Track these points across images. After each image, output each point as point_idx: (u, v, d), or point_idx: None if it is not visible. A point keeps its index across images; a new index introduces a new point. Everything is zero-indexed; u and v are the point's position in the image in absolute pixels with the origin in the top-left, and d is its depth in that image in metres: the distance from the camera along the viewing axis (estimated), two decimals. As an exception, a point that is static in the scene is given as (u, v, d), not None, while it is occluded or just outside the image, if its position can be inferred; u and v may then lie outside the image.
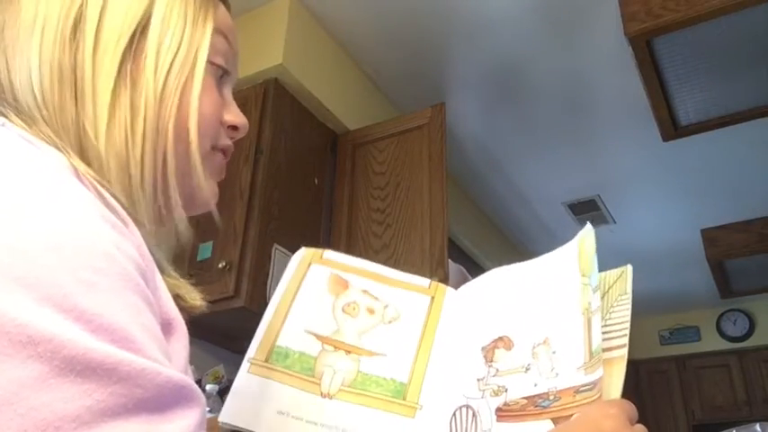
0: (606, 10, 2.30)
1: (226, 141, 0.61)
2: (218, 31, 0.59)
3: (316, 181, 2.26)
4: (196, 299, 0.55)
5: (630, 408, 0.55)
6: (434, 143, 2.24)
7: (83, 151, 0.49)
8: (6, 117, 0.48)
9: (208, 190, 0.58)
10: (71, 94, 0.50)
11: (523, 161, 3.30)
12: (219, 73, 0.60)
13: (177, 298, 0.50)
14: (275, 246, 1.95)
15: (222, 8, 0.61)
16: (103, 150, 0.49)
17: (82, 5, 0.52)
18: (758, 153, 3.16)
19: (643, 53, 2.10)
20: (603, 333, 0.62)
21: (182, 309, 0.49)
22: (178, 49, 0.54)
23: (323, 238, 2.23)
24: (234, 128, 0.62)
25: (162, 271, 0.49)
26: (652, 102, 2.34)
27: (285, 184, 2.09)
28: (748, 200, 3.62)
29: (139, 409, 0.35)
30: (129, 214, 0.46)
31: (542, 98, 2.84)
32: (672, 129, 2.46)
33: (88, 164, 0.48)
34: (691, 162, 3.26)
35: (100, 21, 0.52)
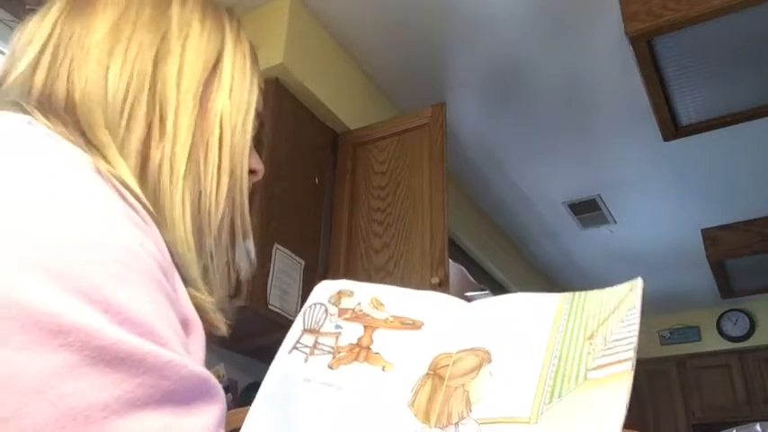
0: (607, 10, 2.30)
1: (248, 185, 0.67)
2: (260, 87, 0.65)
3: (316, 180, 2.26)
4: (220, 322, 0.58)
5: None
6: (435, 143, 2.24)
7: (143, 174, 0.51)
8: (32, 116, 0.49)
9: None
10: (142, 123, 0.52)
11: (524, 161, 3.30)
12: None
13: (201, 316, 0.52)
14: (276, 245, 1.95)
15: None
16: (182, 175, 0.52)
17: (165, 37, 0.56)
18: (758, 153, 3.16)
19: (644, 53, 2.10)
20: (609, 348, 0.63)
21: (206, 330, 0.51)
22: (242, 92, 0.60)
23: (323, 237, 2.23)
24: (253, 172, 0.67)
25: (188, 284, 0.52)
26: (653, 102, 2.34)
27: (286, 183, 2.09)
28: (748, 200, 3.62)
29: (165, 400, 0.35)
30: (151, 215, 0.47)
31: (543, 98, 2.84)
32: (672, 129, 2.47)
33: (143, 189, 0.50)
34: (691, 162, 3.26)
35: (182, 56, 0.56)
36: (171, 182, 0.52)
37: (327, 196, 2.31)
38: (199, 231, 0.54)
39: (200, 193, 0.54)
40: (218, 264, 0.57)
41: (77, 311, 0.34)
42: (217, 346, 2.01)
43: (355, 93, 2.61)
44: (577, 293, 0.71)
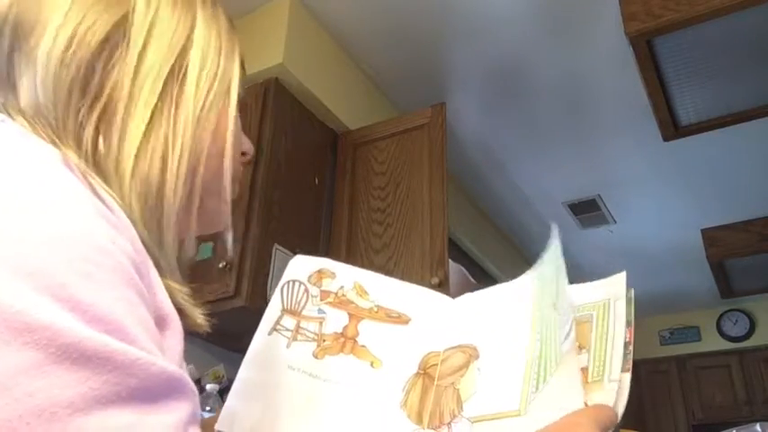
0: (606, 10, 2.30)
1: (239, 168, 0.65)
2: (241, 63, 0.62)
3: (316, 181, 2.26)
4: (198, 317, 0.56)
5: (602, 414, 0.55)
6: (435, 143, 2.24)
7: (95, 166, 0.49)
8: (9, 115, 0.48)
9: (229, 211, 0.62)
10: (94, 112, 0.50)
11: (523, 161, 3.30)
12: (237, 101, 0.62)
13: (180, 314, 0.50)
14: (275, 245, 1.95)
15: (239, 39, 0.64)
16: (129, 172, 0.50)
17: (126, 27, 0.53)
18: (758, 153, 3.16)
19: (643, 53, 2.10)
20: (564, 312, 0.63)
21: (184, 327, 0.49)
22: (215, 77, 0.57)
23: (323, 237, 2.23)
24: (243, 153, 0.66)
25: (175, 281, 0.51)
26: (652, 102, 2.34)
27: (285, 183, 2.09)
28: (748, 200, 3.62)
29: (132, 398, 0.35)
30: (125, 212, 0.46)
31: (543, 98, 2.84)
32: (672, 129, 2.47)
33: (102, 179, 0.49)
34: (691, 162, 3.26)
35: (144, 45, 0.53)
36: (117, 172, 0.49)
37: (327, 196, 2.31)
38: (159, 224, 0.51)
39: (160, 183, 0.51)
40: (185, 255, 0.56)
41: (44, 309, 0.34)
42: (217, 347, 2.01)
43: (355, 93, 2.61)
44: (539, 267, 0.70)
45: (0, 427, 0.31)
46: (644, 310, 4.95)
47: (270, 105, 2.12)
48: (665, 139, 2.54)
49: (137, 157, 0.50)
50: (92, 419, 0.33)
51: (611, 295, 0.67)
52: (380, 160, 2.33)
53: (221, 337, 1.91)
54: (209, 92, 0.56)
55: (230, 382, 2.02)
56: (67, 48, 0.50)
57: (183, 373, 0.40)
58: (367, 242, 2.20)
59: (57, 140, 0.47)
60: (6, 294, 0.33)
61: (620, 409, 0.58)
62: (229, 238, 0.63)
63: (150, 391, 0.36)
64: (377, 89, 2.77)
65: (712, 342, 4.96)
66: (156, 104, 0.52)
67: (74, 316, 0.35)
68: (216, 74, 0.58)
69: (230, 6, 0.64)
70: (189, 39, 0.56)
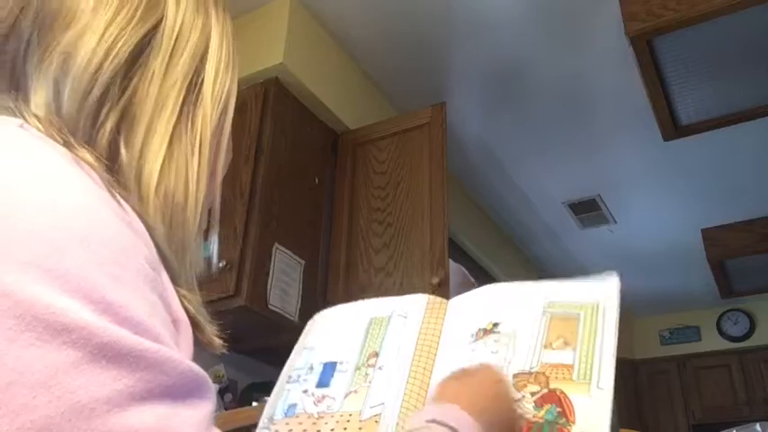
0: (607, 10, 2.30)
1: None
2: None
3: (316, 180, 2.26)
4: (213, 338, 0.57)
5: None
6: (435, 142, 2.24)
7: (115, 174, 0.49)
8: (25, 119, 0.47)
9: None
10: (114, 124, 0.49)
11: (524, 161, 3.30)
12: None
13: (195, 329, 0.51)
14: (276, 245, 1.95)
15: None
16: (153, 185, 0.50)
17: (152, 36, 0.52)
18: (758, 153, 3.16)
19: (644, 53, 2.10)
20: None
21: (198, 343, 0.51)
22: (223, 93, 0.57)
23: (323, 237, 2.23)
24: None
25: (190, 290, 0.52)
26: (653, 101, 2.34)
27: (285, 183, 2.09)
28: (748, 200, 3.62)
29: (164, 394, 0.37)
30: (140, 217, 0.47)
31: (543, 98, 2.84)
32: (672, 128, 2.47)
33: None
34: (691, 162, 3.26)
35: (171, 55, 0.52)
36: (140, 184, 0.49)
37: (327, 196, 2.31)
38: (176, 229, 0.52)
39: (179, 192, 0.52)
40: (195, 260, 0.56)
41: (79, 311, 0.35)
42: (217, 346, 2.01)
43: (355, 93, 2.61)
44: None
45: (44, 424, 0.32)
46: (644, 309, 4.95)
47: (270, 105, 2.12)
48: (666, 138, 2.54)
49: (160, 173, 0.50)
50: (128, 415, 0.35)
51: (600, 299, 0.68)
52: (380, 160, 2.33)
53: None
54: (219, 109, 0.57)
55: (230, 381, 2.02)
56: (105, 58, 0.49)
57: (204, 373, 0.41)
58: (367, 242, 2.20)
59: (71, 142, 0.47)
60: (42, 296, 0.35)
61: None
62: (214, 243, 0.65)
63: (180, 389, 0.38)
64: (377, 89, 2.77)
65: (712, 342, 4.96)
66: (176, 120, 0.52)
67: (106, 317, 0.36)
68: (224, 91, 0.58)
69: (231, 6, 0.63)
70: (206, 51, 0.56)
